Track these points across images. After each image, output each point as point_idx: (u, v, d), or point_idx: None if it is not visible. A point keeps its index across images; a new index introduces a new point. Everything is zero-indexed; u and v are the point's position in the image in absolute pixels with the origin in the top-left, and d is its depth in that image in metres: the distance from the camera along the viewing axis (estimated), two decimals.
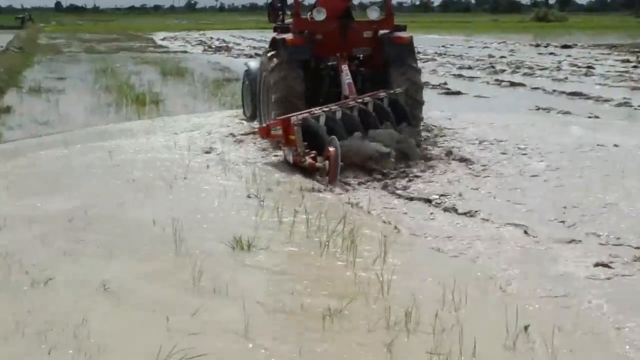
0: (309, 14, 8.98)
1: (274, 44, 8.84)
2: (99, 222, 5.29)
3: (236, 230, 4.99)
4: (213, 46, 32.00)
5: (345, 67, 8.42)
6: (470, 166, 7.19)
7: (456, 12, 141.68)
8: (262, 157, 7.73)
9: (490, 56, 24.35)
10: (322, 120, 7.33)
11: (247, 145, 8.43)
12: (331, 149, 6.59)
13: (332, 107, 7.58)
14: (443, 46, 31.34)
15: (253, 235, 4.88)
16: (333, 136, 6.77)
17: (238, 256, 4.60)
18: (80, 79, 16.46)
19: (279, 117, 7.44)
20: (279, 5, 9.88)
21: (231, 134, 9.13)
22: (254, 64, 10.24)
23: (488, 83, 15.85)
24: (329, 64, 8.82)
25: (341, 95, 8.28)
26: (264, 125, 7.83)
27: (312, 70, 8.77)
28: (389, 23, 9.10)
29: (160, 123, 10.09)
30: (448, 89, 14.43)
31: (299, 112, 7.45)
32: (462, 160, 7.46)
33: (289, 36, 8.63)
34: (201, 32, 51.39)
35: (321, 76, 8.90)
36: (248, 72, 10.10)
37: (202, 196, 6.09)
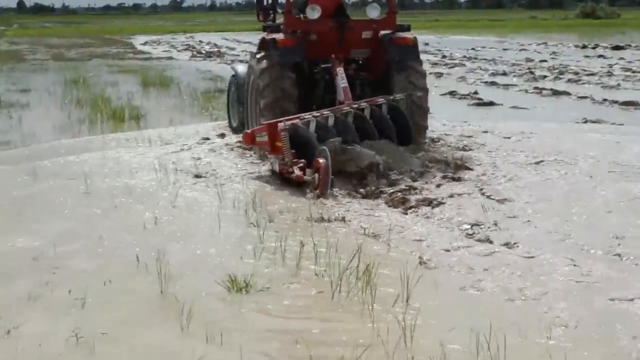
0: (302, 13, 9.38)
1: (264, 45, 9.15)
2: (70, 260, 5.30)
3: (232, 267, 4.99)
4: (203, 51, 32.29)
5: (340, 71, 8.70)
6: (506, 190, 7.18)
7: (487, 9, 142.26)
8: (261, 175, 7.77)
9: (529, 60, 24.48)
10: (313, 126, 7.63)
11: (241, 159, 8.51)
12: (321, 160, 6.86)
13: (324, 113, 7.90)
14: (472, 49, 31.52)
15: (251, 272, 4.88)
16: (324, 147, 7.04)
17: (234, 299, 4.60)
18: (47, 92, 16.56)
19: (265, 122, 7.77)
20: (270, 2, 10.29)
21: (226, 144, 9.28)
22: (241, 68, 10.56)
23: (526, 91, 15.93)
24: (324, 66, 9.07)
25: (336, 101, 8.57)
26: (248, 131, 8.12)
27: (305, 73, 9.11)
28: (391, 22, 9.37)
29: (136, 135, 10.23)
30: (479, 99, 14.50)
31: (287, 118, 7.76)
32: (496, 183, 7.46)
33: (279, 36, 8.97)
34: (189, 34, 51.93)
35: (315, 80, 9.19)
36: (235, 78, 10.48)
37: (192, 226, 6.10)
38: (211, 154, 9.06)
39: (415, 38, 9.22)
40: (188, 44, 38.89)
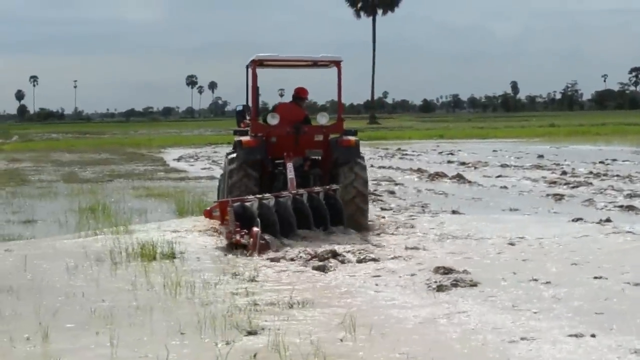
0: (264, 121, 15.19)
1: (234, 145, 15.00)
2: None
3: None
4: None
5: (290, 165, 14.30)
6: None
7: (617, 109, 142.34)
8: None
9: None
10: (255, 206, 12.97)
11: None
12: (254, 229, 12.36)
13: (266, 196, 13.29)
14: (601, 162, 31.53)
15: None
16: (256, 222, 12.57)
17: None
18: (58, 223, 16.99)
19: (217, 201, 13.48)
20: (242, 111, 16.24)
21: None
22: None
23: None
24: (281, 162, 14.69)
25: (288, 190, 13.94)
26: (208, 208, 13.85)
27: (267, 169, 14.87)
28: (339, 127, 15.23)
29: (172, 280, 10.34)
30: (614, 228, 14.37)
31: (235, 199, 13.22)
32: None
33: (245, 138, 14.68)
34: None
35: (275, 174, 15.02)
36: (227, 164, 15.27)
37: None
38: None
39: (357, 140, 14.88)
40: None
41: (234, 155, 14.74)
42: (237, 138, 15.02)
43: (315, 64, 16.32)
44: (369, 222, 15.23)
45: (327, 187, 14.17)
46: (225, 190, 14.85)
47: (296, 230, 13.38)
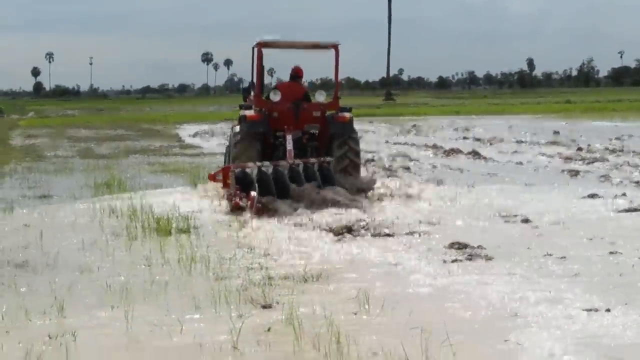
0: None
1: (239, 119, 16.58)
2: None
3: None
4: None
5: (289, 137, 15.76)
6: None
7: (633, 86, 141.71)
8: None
9: None
10: (255, 172, 14.56)
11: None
12: (252, 193, 13.75)
13: (265, 164, 14.80)
14: (617, 138, 31.39)
15: None
16: (254, 187, 14.05)
17: None
18: (73, 198, 17.04)
19: (221, 167, 15.74)
20: (248, 88, 17.82)
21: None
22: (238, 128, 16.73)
23: None
24: (281, 135, 16.20)
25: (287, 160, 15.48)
26: (212, 172, 16.21)
27: (269, 141, 16.34)
28: (335, 105, 16.86)
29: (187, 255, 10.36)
30: (630, 203, 14.31)
31: (236, 165, 14.96)
32: None
33: (249, 113, 16.34)
34: None
35: (275, 146, 16.47)
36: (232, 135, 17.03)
37: None
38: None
39: (351, 117, 16.49)
40: None
41: (239, 128, 16.42)
42: (242, 112, 16.71)
43: (315, 46, 17.82)
44: (385, 197, 16.03)
45: (322, 159, 15.82)
46: (230, 160, 16.61)
47: (291, 193, 14.67)
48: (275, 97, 16.53)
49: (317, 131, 16.76)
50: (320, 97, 17.18)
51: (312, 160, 15.69)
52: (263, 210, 13.59)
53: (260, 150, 16.03)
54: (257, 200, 13.68)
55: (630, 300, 8.02)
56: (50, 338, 7.25)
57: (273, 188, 14.36)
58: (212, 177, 15.85)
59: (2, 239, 12.15)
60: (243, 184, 14.37)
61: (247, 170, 14.72)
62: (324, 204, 14.29)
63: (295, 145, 15.96)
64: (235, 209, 13.97)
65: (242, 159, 15.48)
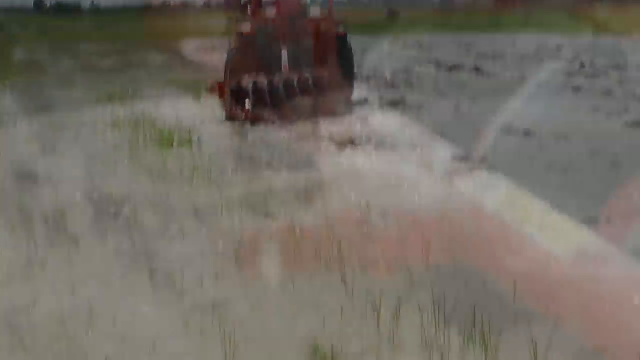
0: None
1: (236, 33, 16.42)
2: None
3: (310, 332, 5.07)
4: None
5: (284, 51, 15.95)
6: None
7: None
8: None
9: None
10: (250, 86, 14.83)
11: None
12: (247, 105, 14.64)
13: (260, 78, 15.01)
14: (620, 54, 31.09)
15: (337, 343, 4.93)
16: (250, 97, 14.61)
17: None
18: (77, 112, 16.94)
19: (219, 81, 15.65)
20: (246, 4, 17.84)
21: None
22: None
23: None
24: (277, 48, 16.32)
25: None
26: (211, 86, 16.20)
27: (265, 55, 16.01)
28: (330, 21, 16.88)
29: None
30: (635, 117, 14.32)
31: (233, 78, 15.17)
32: None
33: (245, 27, 16.21)
34: None
35: (270, 60, 16.11)
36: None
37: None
38: None
39: (345, 32, 16.68)
40: None
41: (235, 42, 16.64)
42: (237, 27, 17.03)
43: None
44: (386, 109, 16.33)
45: (316, 72, 16.23)
46: (227, 73, 16.59)
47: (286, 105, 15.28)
48: (272, 12, 16.86)
49: (311, 46, 17.02)
50: (315, 12, 17.44)
51: (306, 74, 15.94)
52: (257, 118, 14.43)
53: (255, 64, 16.20)
54: (252, 111, 14.41)
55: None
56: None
57: (268, 100, 14.86)
58: (212, 90, 16.34)
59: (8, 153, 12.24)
60: (238, 97, 14.89)
61: (243, 83, 15.05)
62: (321, 115, 14.73)
63: (290, 59, 16.31)
64: (232, 119, 14.67)
65: (239, 72, 15.72)
